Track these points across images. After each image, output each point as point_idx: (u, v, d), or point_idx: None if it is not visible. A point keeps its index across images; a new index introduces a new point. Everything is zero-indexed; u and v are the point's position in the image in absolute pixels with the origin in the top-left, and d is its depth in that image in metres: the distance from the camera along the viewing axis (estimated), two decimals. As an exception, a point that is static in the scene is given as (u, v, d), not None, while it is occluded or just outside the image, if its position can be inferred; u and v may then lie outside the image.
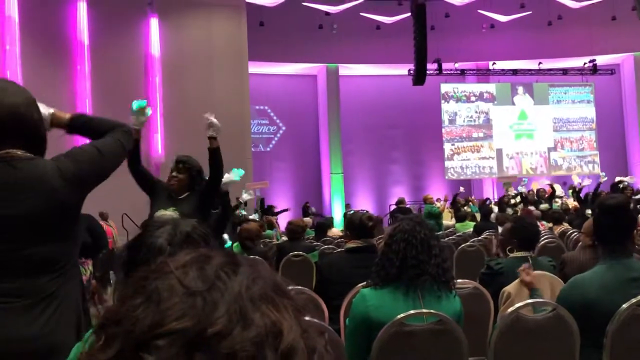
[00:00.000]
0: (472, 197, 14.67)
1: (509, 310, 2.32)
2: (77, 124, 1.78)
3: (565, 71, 18.20)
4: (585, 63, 17.93)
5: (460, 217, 9.90)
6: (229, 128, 5.28)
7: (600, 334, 2.29)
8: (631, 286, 2.41)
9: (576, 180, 12.18)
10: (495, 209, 10.55)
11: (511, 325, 2.27)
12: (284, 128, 18.62)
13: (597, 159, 18.51)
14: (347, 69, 18.25)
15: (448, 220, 11.87)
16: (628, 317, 2.28)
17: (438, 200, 14.06)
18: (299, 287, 2.85)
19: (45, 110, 1.68)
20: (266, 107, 18.37)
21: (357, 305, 2.24)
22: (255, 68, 16.06)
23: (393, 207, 15.02)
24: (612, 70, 18.39)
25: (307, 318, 0.54)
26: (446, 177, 18.02)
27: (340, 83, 18.20)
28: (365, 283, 2.37)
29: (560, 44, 17.45)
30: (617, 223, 2.51)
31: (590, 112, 18.78)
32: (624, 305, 2.28)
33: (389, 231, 2.29)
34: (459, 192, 12.77)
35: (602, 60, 18.03)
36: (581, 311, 2.34)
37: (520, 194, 12.71)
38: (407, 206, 13.96)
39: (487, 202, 12.79)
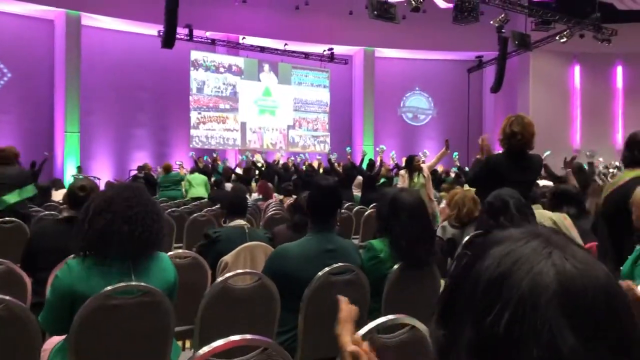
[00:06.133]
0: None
1: (218, 279, 2.45)
2: None
3: (307, 55, 19.59)
4: (324, 50, 19.58)
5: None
6: None
7: (298, 299, 2.58)
8: (327, 256, 2.76)
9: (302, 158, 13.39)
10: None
11: (219, 294, 2.40)
12: (10, 75, 16.31)
13: (328, 140, 20.47)
14: (90, 19, 16.75)
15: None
16: (321, 283, 2.60)
17: (180, 166, 13.98)
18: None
19: None
20: (-11, 49, 15.85)
21: (61, 277, 2.11)
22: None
23: (134, 173, 14.48)
24: (345, 60, 20.42)
25: None
26: (191, 145, 17.98)
27: (82, 34, 16.62)
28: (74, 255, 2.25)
29: (304, 29, 18.66)
30: (329, 202, 2.88)
31: (326, 96, 20.60)
32: (319, 273, 2.60)
33: (98, 199, 2.18)
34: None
35: (339, 50, 19.88)
36: (282, 279, 2.59)
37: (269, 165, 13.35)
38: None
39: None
